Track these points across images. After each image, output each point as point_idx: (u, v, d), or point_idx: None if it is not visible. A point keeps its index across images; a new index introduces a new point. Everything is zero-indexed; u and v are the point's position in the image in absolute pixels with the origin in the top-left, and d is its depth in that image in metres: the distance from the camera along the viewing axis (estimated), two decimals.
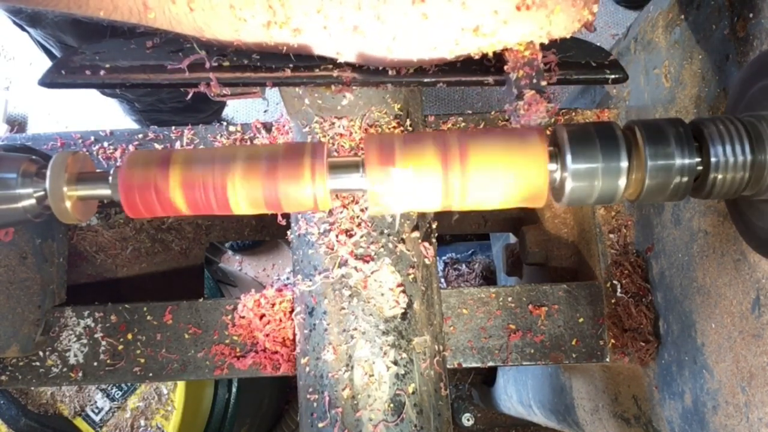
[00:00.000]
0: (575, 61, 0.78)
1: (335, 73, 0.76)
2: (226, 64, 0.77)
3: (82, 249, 1.49)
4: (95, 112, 2.85)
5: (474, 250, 2.88)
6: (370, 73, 0.75)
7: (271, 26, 0.68)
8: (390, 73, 0.75)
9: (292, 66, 0.76)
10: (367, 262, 0.88)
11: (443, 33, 0.67)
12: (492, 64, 0.74)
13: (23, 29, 1.75)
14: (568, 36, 0.71)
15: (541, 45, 0.71)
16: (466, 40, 0.68)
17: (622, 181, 0.64)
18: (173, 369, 1.13)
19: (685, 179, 0.64)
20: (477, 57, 0.71)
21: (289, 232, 0.98)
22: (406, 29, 0.67)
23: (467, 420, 2.56)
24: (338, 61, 0.74)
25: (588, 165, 0.63)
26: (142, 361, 1.13)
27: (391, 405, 0.85)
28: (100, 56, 0.79)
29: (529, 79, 0.68)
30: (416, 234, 0.92)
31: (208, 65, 0.76)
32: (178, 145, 1.19)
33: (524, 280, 1.80)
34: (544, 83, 0.68)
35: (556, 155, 0.65)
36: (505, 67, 0.70)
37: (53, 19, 1.60)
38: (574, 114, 1.21)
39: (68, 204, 0.69)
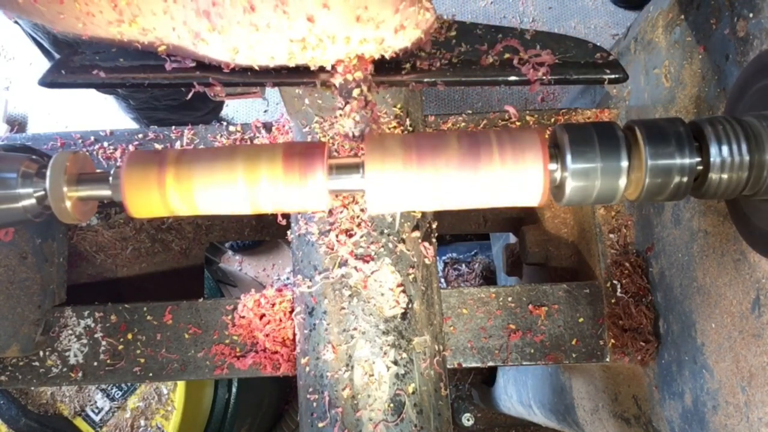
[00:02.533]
0: (574, 60, 0.78)
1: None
2: None
3: (82, 249, 1.49)
4: (95, 112, 2.85)
5: (474, 251, 2.88)
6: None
7: (120, 23, 0.69)
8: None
9: (291, 66, 0.76)
10: (367, 262, 0.88)
11: (275, 43, 0.70)
12: (317, 72, 0.77)
13: (15, 21, 1.73)
14: (399, 51, 0.74)
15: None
16: (297, 52, 0.71)
17: (622, 181, 0.64)
18: (173, 369, 1.13)
19: (685, 179, 0.64)
20: (314, 68, 0.75)
21: (289, 232, 0.97)
22: (240, 38, 0.69)
23: (467, 420, 2.56)
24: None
25: (588, 165, 0.63)
26: (142, 361, 1.13)
27: (391, 405, 0.85)
28: (100, 56, 0.79)
29: (359, 89, 0.72)
30: (416, 234, 0.92)
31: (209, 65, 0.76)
32: (178, 144, 1.19)
33: (524, 280, 1.80)
34: (370, 97, 0.72)
35: (556, 155, 0.65)
36: (331, 79, 0.73)
37: None
38: (574, 114, 1.21)
39: (68, 204, 0.69)
